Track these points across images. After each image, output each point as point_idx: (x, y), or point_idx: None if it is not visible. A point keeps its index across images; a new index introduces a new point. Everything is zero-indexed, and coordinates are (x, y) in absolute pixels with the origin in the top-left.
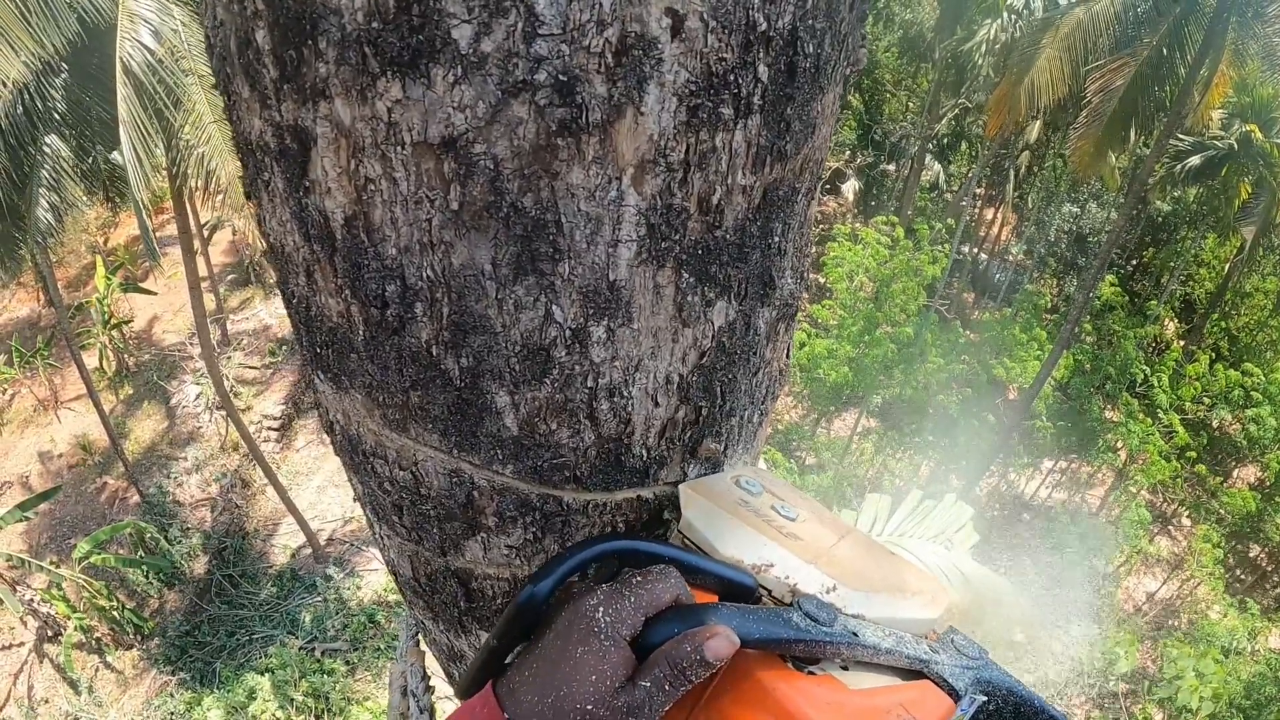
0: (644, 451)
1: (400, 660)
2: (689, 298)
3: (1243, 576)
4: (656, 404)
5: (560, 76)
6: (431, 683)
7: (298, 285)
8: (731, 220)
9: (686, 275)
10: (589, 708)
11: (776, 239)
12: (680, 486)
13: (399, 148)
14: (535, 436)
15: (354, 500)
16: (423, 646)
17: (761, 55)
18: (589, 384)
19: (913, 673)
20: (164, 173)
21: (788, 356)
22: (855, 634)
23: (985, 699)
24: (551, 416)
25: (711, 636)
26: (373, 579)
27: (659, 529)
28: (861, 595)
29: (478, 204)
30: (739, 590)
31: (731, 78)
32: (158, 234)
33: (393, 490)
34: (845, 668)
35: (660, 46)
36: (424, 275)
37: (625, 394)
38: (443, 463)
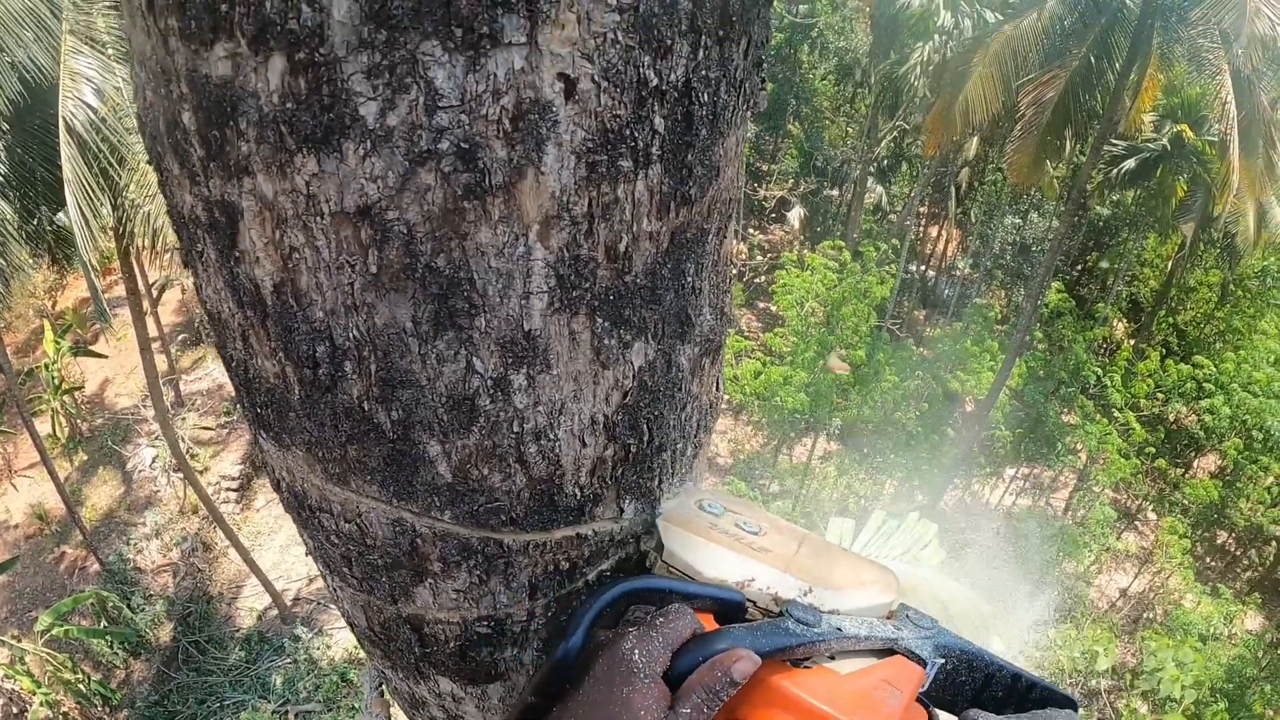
0: (576, 490)
1: (366, 713)
2: (605, 341)
3: (1212, 564)
4: (584, 444)
5: (462, 144)
6: None
7: (235, 349)
8: (641, 265)
9: (601, 320)
10: None
11: (689, 279)
12: (658, 520)
13: (319, 218)
14: (469, 482)
15: (306, 555)
16: (386, 697)
17: (656, 108)
18: (514, 429)
19: (885, 650)
20: (110, 232)
21: (718, 389)
22: (840, 629)
23: (943, 660)
24: (482, 462)
25: (736, 660)
26: (341, 636)
27: (606, 561)
28: (832, 593)
29: (395, 266)
30: (731, 607)
31: (627, 132)
32: (106, 295)
33: (340, 542)
34: (832, 657)
35: (555, 109)
36: (350, 335)
37: (551, 437)
38: (385, 513)
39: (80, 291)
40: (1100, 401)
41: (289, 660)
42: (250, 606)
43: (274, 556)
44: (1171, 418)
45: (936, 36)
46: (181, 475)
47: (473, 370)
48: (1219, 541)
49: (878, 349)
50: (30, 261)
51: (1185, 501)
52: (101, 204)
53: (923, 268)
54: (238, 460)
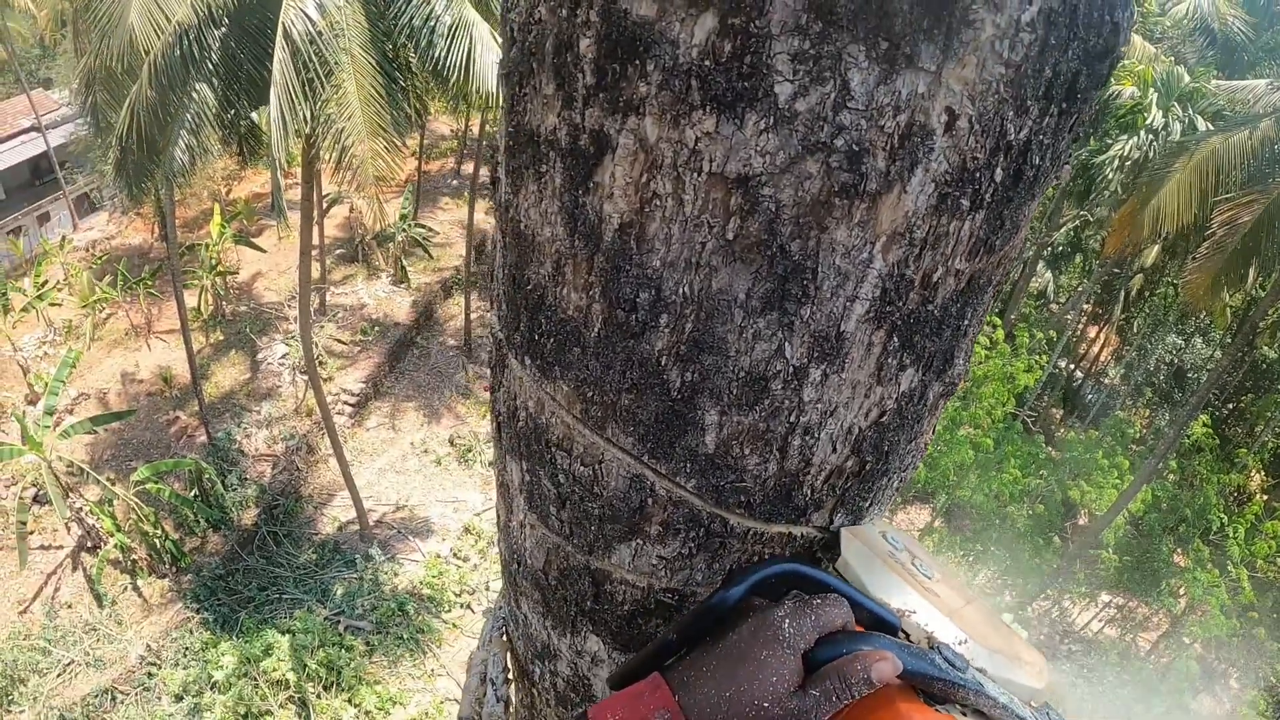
0: (809, 491)
1: (484, 648)
2: (890, 360)
3: None
4: (834, 450)
5: (854, 146)
6: (510, 674)
7: (539, 273)
8: (940, 299)
9: (895, 339)
10: (765, 705)
11: (965, 322)
12: (842, 530)
13: (695, 174)
14: (728, 458)
15: (500, 482)
16: (506, 639)
17: (1001, 160)
18: (790, 419)
19: None
20: (301, 139)
21: (932, 433)
22: (982, 685)
23: None
24: (748, 442)
25: (880, 660)
26: (411, 569)
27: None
28: (986, 653)
29: (751, 239)
30: (885, 628)
31: (977, 175)
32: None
33: (565, 483)
34: (964, 713)
35: (934, 138)
36: (680, 291)
37: (815, 435)
38: (628, 466)
39: (253, 186)
40: (1217, 551)
41: (355, 576)
42: (334, 516)
43: (370, 477)
44: None
45: (1143, 133)
46: (306, 377)
47: (781, 354)
48: None
49: (1008, 438)
50: (219, 147)
51: (1275, 679)
52: (300, 110)
53: (1072, 366)
54: (362, 378)
